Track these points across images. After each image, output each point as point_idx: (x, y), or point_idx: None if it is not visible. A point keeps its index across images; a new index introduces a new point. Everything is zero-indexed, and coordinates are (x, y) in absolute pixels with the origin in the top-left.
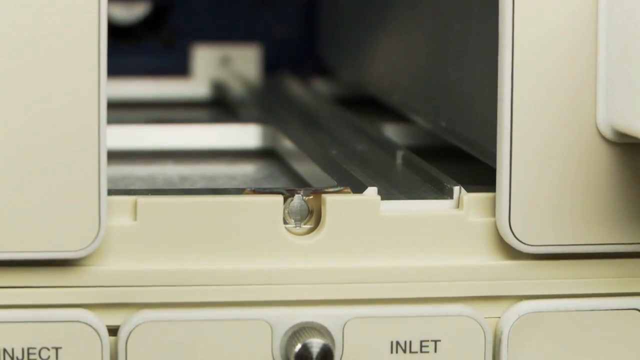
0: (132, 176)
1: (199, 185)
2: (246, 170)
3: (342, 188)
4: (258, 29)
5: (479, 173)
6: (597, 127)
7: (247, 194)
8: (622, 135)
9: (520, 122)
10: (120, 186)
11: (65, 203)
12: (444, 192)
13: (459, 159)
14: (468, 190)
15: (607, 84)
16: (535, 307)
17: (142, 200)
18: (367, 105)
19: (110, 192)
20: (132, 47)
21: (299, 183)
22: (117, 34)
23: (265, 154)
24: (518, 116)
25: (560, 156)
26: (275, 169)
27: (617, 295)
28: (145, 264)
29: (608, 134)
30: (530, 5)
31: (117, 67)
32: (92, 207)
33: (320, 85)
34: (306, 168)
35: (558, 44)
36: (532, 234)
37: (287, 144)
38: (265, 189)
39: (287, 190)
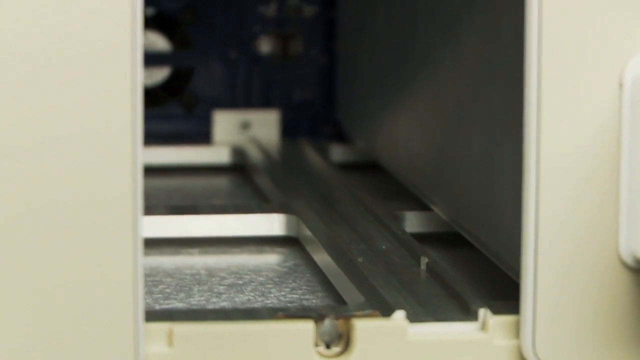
0: (160, 270)
1: (226, 282)
2: (271, 261)
3: (371, 312)
4: (277, 94)
5: (502, 278)
6: (618, 254)
7: (279, 318)
8: None
9: (544, 249)
10: (148, 283)
11: (102, 332)
12: (469, 312)
13: (481, 254)
14: (491, 308)
15: (629, 212)
16: None
17: (178, 328)
18: (386, 178)
19: (147, 314)
20: (153, 112)
21: (325, 286)
22: None
23: (289, 242)
24: (542, 243)
25: (582, 282)
26: (300, 261)
27: None
28: None
29: (630, 261)
30: (554, 130)
31: None
32: (129, 336)
33: (338, 153)
34: (330, 268)
35: (580, 170)
36: (556, 358)
37: (310, 236)
38: (297, 311)
39: (318, 314)
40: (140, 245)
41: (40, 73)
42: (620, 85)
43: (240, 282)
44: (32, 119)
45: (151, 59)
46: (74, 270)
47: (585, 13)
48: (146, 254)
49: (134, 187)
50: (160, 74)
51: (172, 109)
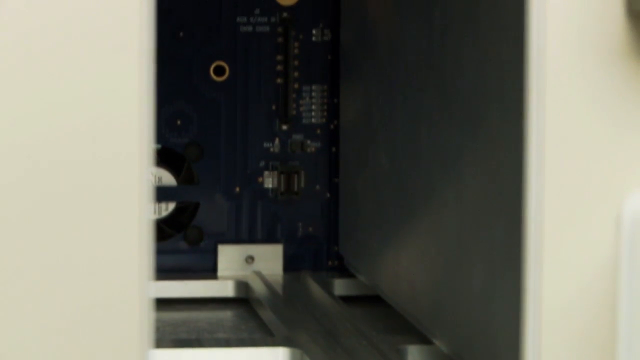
0: None
1: None
2: None
3: None
4: (281, 228)
5: None
6: None
7: None
8: None
9: None
10: None
11: None
12: None
13: None
14: None
15: (627, 350)
16: None
17: None
18: (388, 311)
19: None
20: (158, 246)
21: None
22: None
23: None
24: None
25: None
26: None
27: None
28: None
29: None
30: (555, 267)
31: None
32: None
33: (342, 287)
34: None
35: (581, 306)
36: None
37: None
38: None
39: None
40: None
41: (48, 210)
42: (618, 221)
43: None
44: (42, 256)
45: (157, 193)
46: None
47: (584, 150)
48: None
49: (143, 323)
50: (165, 208)
51: (176, 243)
